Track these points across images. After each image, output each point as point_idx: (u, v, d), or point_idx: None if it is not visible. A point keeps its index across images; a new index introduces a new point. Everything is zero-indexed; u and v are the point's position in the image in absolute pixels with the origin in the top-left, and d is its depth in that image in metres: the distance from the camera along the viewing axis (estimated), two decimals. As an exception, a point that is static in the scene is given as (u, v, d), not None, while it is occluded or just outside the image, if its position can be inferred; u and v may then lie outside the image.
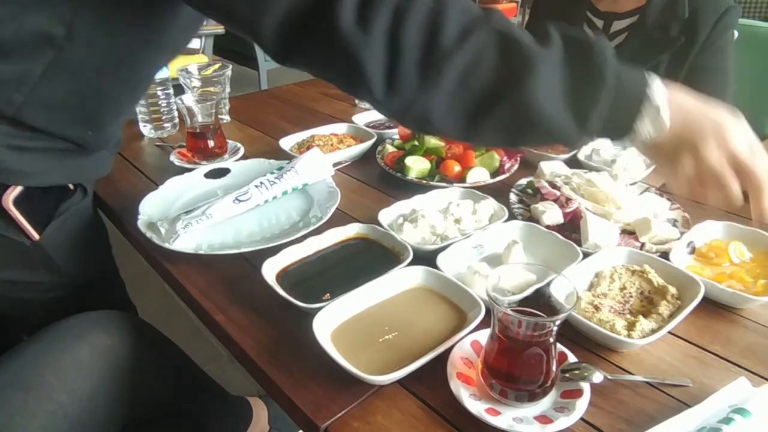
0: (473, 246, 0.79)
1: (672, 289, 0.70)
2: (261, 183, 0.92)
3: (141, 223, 0.85)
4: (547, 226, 0.83)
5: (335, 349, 0.62)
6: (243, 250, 0.80)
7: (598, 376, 0.59)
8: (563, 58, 0.59)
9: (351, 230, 0.83)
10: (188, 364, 0.99)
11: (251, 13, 0.58)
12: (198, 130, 1.08)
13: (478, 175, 0.97)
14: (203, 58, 2.98)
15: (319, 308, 0.65)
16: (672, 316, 0.67)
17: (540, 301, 0.65)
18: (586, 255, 0.76)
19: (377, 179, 1.05)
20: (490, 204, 0.87)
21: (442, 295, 0.70)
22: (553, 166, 0.98)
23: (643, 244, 0.80)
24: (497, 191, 0.94)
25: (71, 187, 0.85)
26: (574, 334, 0.67)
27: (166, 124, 1.24)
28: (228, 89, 1.32)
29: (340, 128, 1.19)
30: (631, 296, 0.71)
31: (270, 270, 0.74)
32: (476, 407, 0.55)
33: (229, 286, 0.77)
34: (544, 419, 0.55)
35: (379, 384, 0.60)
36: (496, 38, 0.58)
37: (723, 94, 1.42)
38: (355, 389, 0.60)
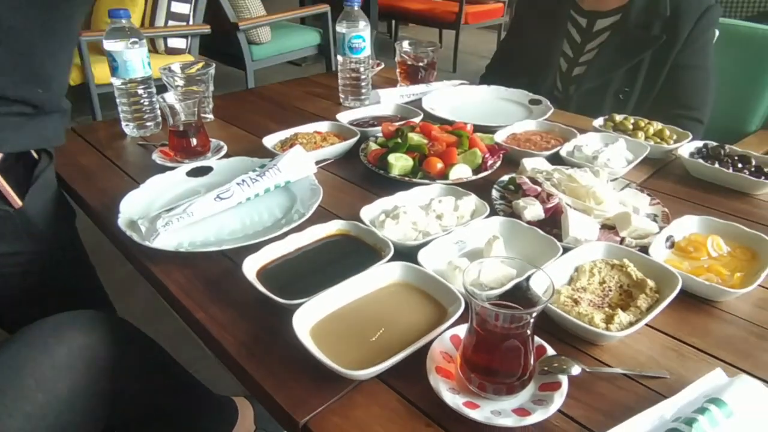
0: (454, 242, 0.79)
1: (650, 283, 0.71)
2: (243, 181, 0.92)
3: (121, 222, 0.84)
4: (528, 222, 0.83)
5: (314, 345, 0.62)
6: (224, 247, 0.80)
7: (576, 369, 0.60)
8: None
9: (332, 227, 0.83)
10: (171, 364, 0.98)
11: None
12: (180, 129, 1.07)
13: (461, 171, 0.97)
14: (189, 59, 2.97)
15: (299, 304, 0.65)
16: (650, 309, 0.67)
17: (517, 294, 0.65)
18: (566, 250, 0.76)
19: (360, 177, 1.05)
20: (472, 200, 0.88)
21: (423, 291, 0.70)
22: (535, 163, 0.98)
23: (623, 239, 0.81)
24: (480, 188, 0.95)
25: (36, 156, 0.91)
26: (553, 327, 0.68)
27: (148, 123, 1.23)
28: (212, 88, 1.31)
29: (324, 126, 1.19)
30: (610, 290, 0.72)
31: (251, 267, 0.74)
32: (455, 401, 0.55)
33: (210, 284, 0.76)
34: (521, 412, 0.55)
35: (358, 379, 0.60)
36: None
37: (705, 91, 1.44)
38: (335, 385, 0.60)
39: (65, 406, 0.74)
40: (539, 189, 0.87)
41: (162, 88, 1.24)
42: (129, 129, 1.23)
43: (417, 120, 1.21)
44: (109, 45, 1.12)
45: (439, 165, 0.98)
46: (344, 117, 1.25)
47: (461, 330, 0.64)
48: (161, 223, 0.81)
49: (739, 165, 1.02)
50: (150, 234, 0.80)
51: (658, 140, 1.13)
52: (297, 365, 0.62)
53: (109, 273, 1.93)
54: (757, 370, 0.63)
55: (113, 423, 0.81)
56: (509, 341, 0.55)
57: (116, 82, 1.16)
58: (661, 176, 1.07)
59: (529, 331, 0.55)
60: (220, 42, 3.18)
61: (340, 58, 1.37)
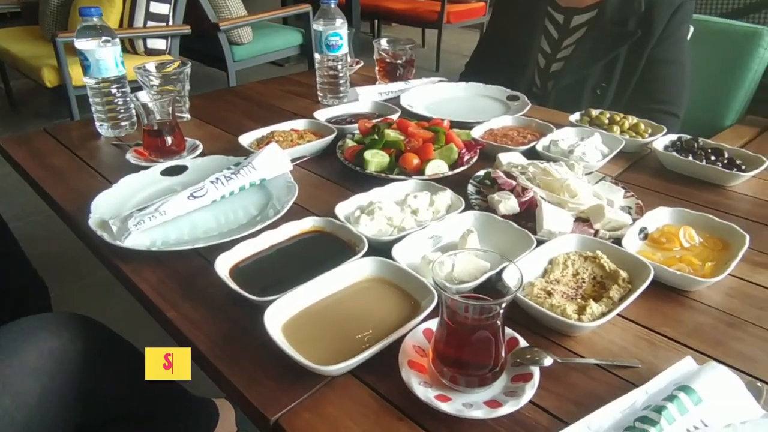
0: (429, 236, 0.79)
1: (623, 274, 0.71)
2: (217, 179, 0.91)
3: (92, 222, 0.83)
4: (504, 216, 0.83)
5: (286, 342, 0.61)
6: (197, 245, 0.79)
7: (548, 360, 0.60)
8: None
9: (307, 224, 0.82)
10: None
11: None
12: (155, 128, 1.06)
13: (437, 167, 0.97)
14: (168, 60, 2.94)
15: (271, 301, 0.65)
16: (622, 299, 0.68)
17: (488, 287, 0.66)
18: (540, 243, 0.77)
19: (337, 174, 1.05)
20: (447, 195, 0.88)
21: (396, 285, 0.70)
22: (510, 157, 0.99)
23: (596, 231, 0.82)
24: (456, 183, 0.95)
25: None
26: (527, 320, 0.68)
27: (123, 123, 1.22)
28: (188, 87, 1.30)
29: (301, 124, 1.18)
30: (583, 281, 0.72)
31: (223, 265, 0.73)
32: (426, 394, 0.55)
33: (182, 283, 0.76)
34: (493, 404, 0.55)
35: (330, 375, 0.60)
36: None
37: (680, 86, 1.46)
38: (307, 381, 0.60)
39: (35, 410, 0.73)
40: (514, 183, 0.88)
41: (141, 89, 1.23)
42: (103, 129, 1.21)
43: (395, 117, 1.20)
44: (80, 44, 1.10)
45: (416, 161, 0.98)
46: (322, 115, 1.24)
47: (434, 324, 0.63)
48: (133, 223, 0.80)
49: (712, 157, 1.03)
50: (121, 233, 0.79)
51: (634, 134, 1.13)
52: (269, 362, 0.62)
53: (91, 276, 1.91)
54: (727, 357, 0.63)
55: (86, 425, 0.80)
56: (480, 333, 0.55)
57: (89, 81, 1.14)
58: (636, 169, 1.08)
59: (499, 323, 0.55)
60: (201, 43, 3.16)
61: (317, 56, 1.36)
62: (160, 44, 2.94)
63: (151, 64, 1.24)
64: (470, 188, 0.93)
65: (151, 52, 2.92)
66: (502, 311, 0.54)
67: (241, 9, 3.22)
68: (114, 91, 1.16)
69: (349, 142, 1.07)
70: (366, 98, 1.36)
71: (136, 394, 0.93)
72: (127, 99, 1.20)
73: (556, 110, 1.39)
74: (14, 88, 3.68)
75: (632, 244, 0.79)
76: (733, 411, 0.54)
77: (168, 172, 1.01)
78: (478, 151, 1.05)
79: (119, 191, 0.93)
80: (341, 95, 1.40)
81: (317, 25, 1.32)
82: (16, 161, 1.10)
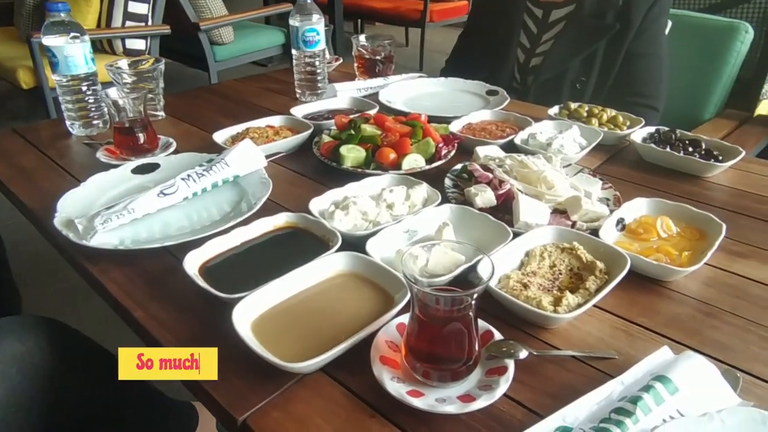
0: (404, 231, 0.78)
1: (600, 265, 0.71)
2: (188, 176, 0.89)
3: (58, 221, 0.81)
4: (481, 209, 0.82)
5: (255, 339, 0.59)
6: (166, 243, 0.77)
7: (523, 353, 0.59)
8: None
9: (280, 220, 0.80)
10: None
11: None
12: (126, 125, 1.04)
13: (414, 161, 0.96)
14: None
15: (240, 298, 0.63)
16: (599, 290, 0.67)
17: (461, 279, 0.64)
18: (517, 235, 0.75)
19: (313, 170, 1.03)
20: (424, 189, 0.86)
21: (370, 280, 0.68)
22: (488, 150, 0.98)
23: (574, 223, 0.81)
24: (433, 177, 0.93)
25: None
26: (503, 313, 0.66)
27: (95, 122, 1.19)
28: (162, 84, 1.27)
29: (277, 120, 1.16)
30: (560, 273, 0.71)
31: (192, 262, 0.71)
32: (397, 390, 0.54)
33: (151, 282, 0.74)
34: (467, 398, 0.54)
35: (300, 372, 0.58)
36: None
37: (659, 79, 1.46)
38: (277, 379, 0.58)
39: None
40: (491, 176, 0.86)
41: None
42: (75, 128, 1.18)
43: (372, 113, 1.19)
44: (48, 40, 1.07)
45: (392, 155, 0.96)
46: (298, 111, 1.22)
47: (407, 318, 0.62)
48: (99, 221, 0.78)
49: (690, 149, 1.03)
50: (87, 232, 0.77)
51: (612, 126, 1.13)
52: (238, 361, 0.60)
53: (68, 280, 1.87)
54: (704, 347, 0.62)
55: (51, 430, 0.78)
56: (452, 326, 0.54)
57: (57, 78, 1.11)
58: (614, 162, 1.07)
59: (471, 314, 0.53)
60: (182, 43, 3.12)
61: (294, 52, 1.34)
62: (139, 45, 2.89)
63: (123, 62, 1.22)
64: (447, 182, 0.92)
65: (130, 53, 2.87)
66: (473, 302, 0.52)
67: (221, 8, 3.19)
68: (84, 88, 1.14)
69: (326, 138, 1.06)
70: (344, 94, 1.34)
71: (106, 398, 0.91)
72: (98, 97, 1.17)
73: (535, 105, 1.39)
74: (-11, 90, 3.61)
75: (609, 235, 0.78)
76: (709, 400, 0.54)
77: (139, 170, 0.98)
78: (456, 145, 1.03)
79: (87, 190, 0.91)
80: (319, 92, 1.38)
81: (293, 21, 1.31)
82: (-19, 162, 1.07)
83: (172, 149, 1.09)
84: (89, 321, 0.88)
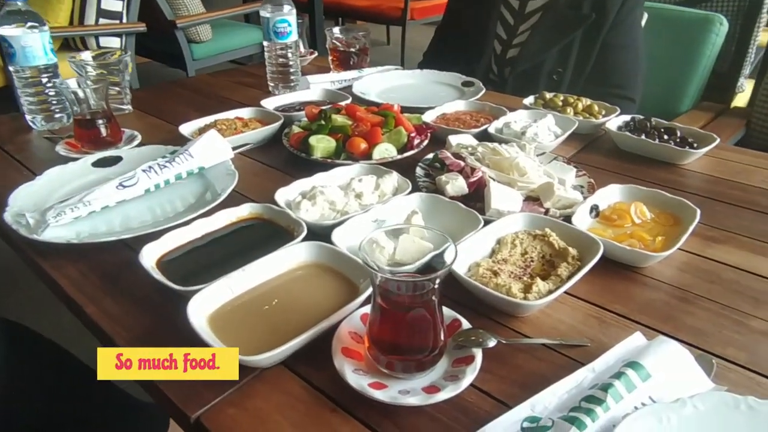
0: (372, 220, 0.75)
1: (572, 251, 0.69)
2: (150, 167, 0.85)
3: (8, 215, 0.77)
4: (452, 197, 0.80)
5: (212, 333, 0.56)
6: (122, 236, 0.74)
7: (492, 341, 0.56)
8: None
9: (243, 211, 0.77)
10: (83, 372, 0.91)
11: None
12: (87, 117, 1.00)
13: (385, 150, 0.93)
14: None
15: (196, 291, 0.60)
16: (571, 276, 0.65)
17: (426, 267, 0.62)
18: (488, 223, 0.73)
19: (283, 162, 1.00)
20: (394, 178, 0.84)
21: (335, 270, 0.66)
22: (460, 139, 0.95)
23: (547, 210, 0.79)
24: (405, 167, 0.91)
25: None
26: (473, 302, 0.64)
27: (58, 115, 1.14)
28: (128, 77, 1.23)
29: (246, 112, 1.13)
30: (532, 260, 0.69)
31: (150, 255, 0.68)
32: (359, 382, 0.51)
33: (106, 277, 0.70)
34: (432, 389, 0.51)
35: (257, 365, 0.55)
36: None
37: (635, 70, 1.46)
38: (234, 374, 0.55)
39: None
40: (463, 164, 0.84)
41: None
42: (36, 122, 1.13)
43: (344, 104, 1.16)
44: (4, 30, 1.03)
45: (363, 145, 0.94)
46: (270, 103, 1.19)
47: (372, 308, 0.59)
48: (52, 215, 0.74)
49: (665, 136, 1.02)
50: (39, 226, 0.73)
51: (587, 115, 1.12)
52: (194, 356, 0.57)
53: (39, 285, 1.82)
54: (678, 332, 0.61)
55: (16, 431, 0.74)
56: (415, 314, 0.51)
57: (14, 70, 1.07)
58: (590, 150, 1.06)
59: (435, 300, 0.51)
60: (159, 42, 3.06)
61: (266, 43, 1.31)
62: (114, 43, 2.83)
63: (86, 54, 1.18)
64: (419, 171, 0.90)
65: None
66: (436, 288, 0.50)
67: (199, 6, 3.14)
68: (44, 80, 1.09)
69: (296, 129, 1.03)
70: (317, 87, 1.31)
71: (72, 402, 0.87)
72: (59, 89, 1.12)
73: (512, 96, 1.37)
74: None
75: (583, 221, 0.76)
76: (682, 385, 0.52)
77: (100, 163, 0.95)
78: (429, 135, 1.01)
79: (43, 184, 0.87)
80: (293, 84, 1.35)
81: (264, 12, 1.27)
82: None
83: (136, 142, 1.05)
84: (62, 326, 0.83)
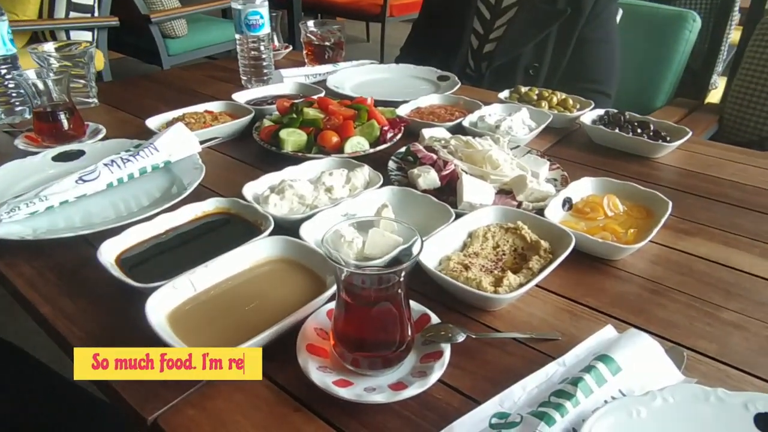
0: (342, 214, 0.73)
1: (545, 244, 0.68)
2: (112, 161, 0.82)
3: (-42, 212, 0.73)
4: (424, 191, 0.78)
5: (170, 331, 0.54)
6: (81, 232, 0.71)
7: (461, 336, 0.55)
8: None
9: (209, 205, 0.75)
10: (44, 373, 0.87)
11: None
12: (48, 110, 0.96)
13: (357, 144, 0.92)
14: (97, 55, 2.77)
15: (155, 288, 0.57)
16: (543, 269, 0.64)
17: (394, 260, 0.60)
18: (460, 216, 0.72)
19: (254, 156, 0.98)
20: (365, 172, 0.82)
21: (302, 265, 0.64)
22: (434, 132, 0.94)
23: (520, 203, 0.78)
24: (378, 161, 0.89)
25: None
26: (443, 296, 0.63)
27: (19, 108, 1.10)
28: (93, 70, 1.19)
29: (216, 106, 1.10)
30: (504, 254, 0.68)
31: (109, 251, 0.65)
32: (323, 380, 0.49)
33: (63, 275, 0.67)
34: (398, 386, 0.50)
35: (218, 365, 0.53)
36: None
37: (610, 65, 1.46)
38: (195, 374, 0.53)
39: None
40: (435, 157, 0.83)
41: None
42: (-4, 115, 1.09)
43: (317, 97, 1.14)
44: (-41, 19, 0.99)
45: (335, 139, 0.92)
46: (241, 97, 1.17)
47: (339, 303, 0.58)
48: (5, 210, 0.71)
49: (639, 130, 1.02)
50: (-9, 222, 0.70)
51: (562, 109, 1.11)
52: (153, 356, 0.54)
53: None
54: (649, 324, 0.60)
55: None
56: (380, 309, 0.49)
57: (-29, 61, 1.03)
58: (564, 144, 1.06)
59: (401, 294, 0.49)
60: (134, 36, 3.00)
61: (237, 36, 1.28)
62: (85, 37, 2.76)
63: (49, 45, 1.14)
64: (391, 164, 0.88)
65: (76, 46, 2.74)
66: (402, 281, 0.48)
67: (174, 0, 3.08)
68: (3, 72, 1.05)
69: (267, 122, 1.00)
70: (291, 80, 1.29)
71: (32, 405, 0.84)
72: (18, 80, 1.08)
73: (488, 90, 1.36)
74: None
75: (556, 214, 0.75)
76: (652, 378, 0.51)
77: (61, 157, 0.91)
78: (402, 128, 1.00)
79: (-2, 178, 0.83)
80: (266, 78, 1.32)
81: (236, 4, 1.25)
82: None
83: (100, 136, 1.01)
84: (24, 331, 0.80)
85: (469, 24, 1.51)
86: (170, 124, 1.02)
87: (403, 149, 0.91)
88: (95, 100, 1.22)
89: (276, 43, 1.61)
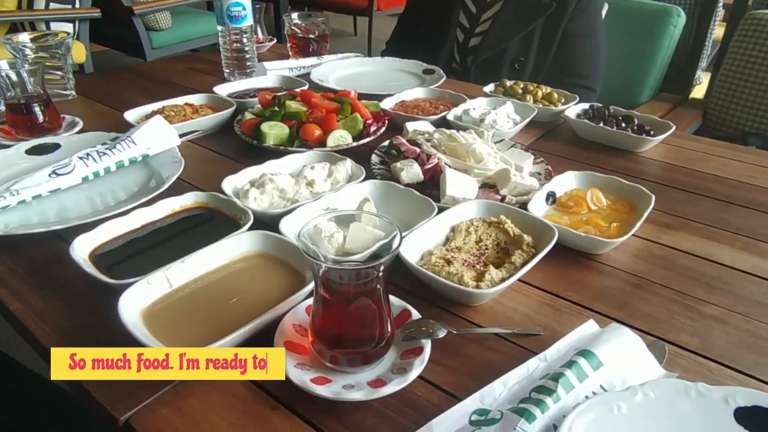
0: (323, 208, 0.72)
1: (527, 238, 0.67)
2: (87, 154, 0.80)
3: (-75, 207, 0.71)
4: (407, 185, 0.77)
5: (144, 329, 0.53)
6: (53, 227, 0.69)
7: (442, 332, 0.54)
8: None
9: (187, 199, 0.73)
10: (23, 375, 0.85)
11: None
12: (21, 102, 0.93)
13: (340, 137, 0.90)
14: (79, 47, 2.72)
15: (129, 284, 0.56)
16: (525, 264, 0.63)
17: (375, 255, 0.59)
18: (443, 210, 0.71)
19: (235, 150, 0.96)
20: (348, 166, 0.81)
21: (281, 260, 0.63)
22: (418, 126, 0.93)
23: (503, 197, 0.77)
24: (361, 154, 0.88)
25: None
26: (425, 291, 0.62)
27: (-7, 101, 1.07)
28: (70, 61, 1.16)
29: (197, 98, 1.08)
30: (487, 248, 0.67)
31: (82, 247, 0.64)
32: (301, 377, 0.48)
33: (34, 271, 0.65)
34: (378, 383, 0.49)
35: (193, 363, 0.51)
36: None
37: (596, 60, 1.46)
38: (169, 372, 0.51)
39: None
40: (418, 150, 0.82)
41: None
42: (-32, 108, 1.06)
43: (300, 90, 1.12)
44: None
45: (317, 132, 0.90)
46: (223, 89, 1.14)
47: (318, 299, 0.56)
48: (-26, 204, 0.68)
49: (623, 124, 1.02)
50: (-41, 217, 0.68)
51: (547, 103, 1.11)
52: (125, 354, 0.53)
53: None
54: (631, 319, 0.60)
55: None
56: (358, 304, 0.48)
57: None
58: (549, 138, 1.05)
59: (380, 289, 0.48)
60: (117, 29, 2.95)
61: (219, 28, 1.26)
62: (66, 29, 2.70)
63: (24, 35, 1.11)
64: (374, 158, 0.87)
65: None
66: (380, 276, 0.47)
67: (157, -8, 3.03)
68: (-25, 62, 1.02)
69: (248, 116, 0.99)
70: (274, 73, 1.27)
71: (8, 408, 0.82)
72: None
73: (473, 84, 1.36)
74: None
75: (539, 208, 0.75)
76: (634, 373, 0.51)
77: (35, 150, 0.89)
78: (386, 122, 0.98)
79: (-31, 173, 0.81)
80: (249, 71, 1.30)
81: (217, -6, 1.22)
82: None
83: (77, 129, 0.99)
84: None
85: (454, 18, 1.50)
86: (149, 116, 1.00)
87: (386, 143, 0.90)
88: (73, 92, 1.19)
89: (260, 35, 1.59)
